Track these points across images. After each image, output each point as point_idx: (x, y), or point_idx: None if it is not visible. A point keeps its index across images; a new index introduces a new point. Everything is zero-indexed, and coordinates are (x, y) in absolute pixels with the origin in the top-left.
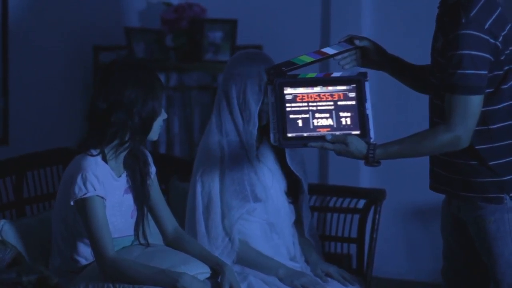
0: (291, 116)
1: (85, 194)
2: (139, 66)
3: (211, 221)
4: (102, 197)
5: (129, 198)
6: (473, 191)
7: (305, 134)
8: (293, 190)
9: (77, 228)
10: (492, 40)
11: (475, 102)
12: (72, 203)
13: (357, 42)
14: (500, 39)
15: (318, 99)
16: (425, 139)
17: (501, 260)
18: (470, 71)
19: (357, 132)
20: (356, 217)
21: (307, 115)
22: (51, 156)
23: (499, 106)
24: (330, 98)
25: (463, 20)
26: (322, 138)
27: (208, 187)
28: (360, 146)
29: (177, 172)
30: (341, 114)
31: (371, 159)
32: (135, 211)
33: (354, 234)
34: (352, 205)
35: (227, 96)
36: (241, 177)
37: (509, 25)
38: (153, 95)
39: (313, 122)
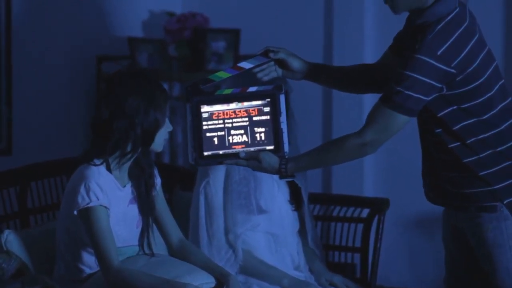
0: (208, 134)
1: (88, 203)
2: (143, 76)
3: (214, 234)
4: (106, 207)
5: (134, 209)
6: (468, 201)
7: (220, 152)
8: (296, 198)
9: (81, 237)
10: (443, 67)
11: (399, 121)
12: (75, 212)
13: (271, 55)
14: (453, 64)
15: (233, 115)
16: (332, 146)
17: (500, 267)
18: (409, 92)
19: (271, 147)
20: (360, 226)
21: (223, 133)
22: (55, 167)
23: (470, 121)
24: (245, 114)
25: (417, 46)
26: (236, 155)
27: (211, 199)
28: (272, 162)
29: (181, 182)
30: (256, 129)
31: (283, 174)
32: (140, 221)
33: (358, 243)
34: (356, 214)
35: None
36: (248, 191)
37: (468, 48)
38: (155, 106)
39: (228, 140)
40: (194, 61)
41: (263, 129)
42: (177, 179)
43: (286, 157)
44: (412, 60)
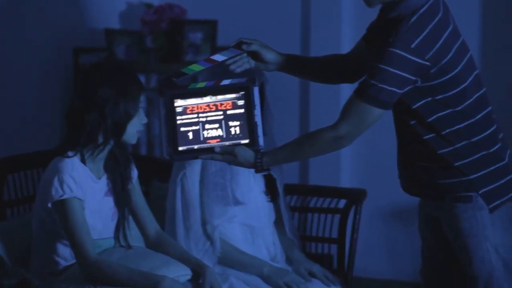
0: (182, 129)
1: (62, 196)
2: (116, 67)
3: (191, 226)
4: (80, 199)
5: (109, 201)
6: (443, 192)
7: (195, 147)
8: (271, 189)
9: (56, 229)
10: (417, 60)
11: (374, 114)
12: (49, 205)
13: (244, 47)
14: (428, 57)
15: (207, 109)
16: (308, 139)
17: (476, 257)
18: (383, 85)
19: (246, 141)
20: (337, 217)
21: (197, 127)
22: (31, 159)
23: (445, 112)
24: (219, 108)
25: (391, 39)
26: (211, 150)
27: (188, 191)
28: (247, 156)
29: (158, 174)
30: (230, 123)
31: (259, 168)
32: (115, 213)
33: (335, 234)
34: (332, 205)
35: None
36: (224, 182)
37: (442, 39)
38: (126, 97)
39: (203, 134)
40: (171, 52)
41: (237, 123)
42: (154, 171)
43: (261, 150)
44: (386, 53)
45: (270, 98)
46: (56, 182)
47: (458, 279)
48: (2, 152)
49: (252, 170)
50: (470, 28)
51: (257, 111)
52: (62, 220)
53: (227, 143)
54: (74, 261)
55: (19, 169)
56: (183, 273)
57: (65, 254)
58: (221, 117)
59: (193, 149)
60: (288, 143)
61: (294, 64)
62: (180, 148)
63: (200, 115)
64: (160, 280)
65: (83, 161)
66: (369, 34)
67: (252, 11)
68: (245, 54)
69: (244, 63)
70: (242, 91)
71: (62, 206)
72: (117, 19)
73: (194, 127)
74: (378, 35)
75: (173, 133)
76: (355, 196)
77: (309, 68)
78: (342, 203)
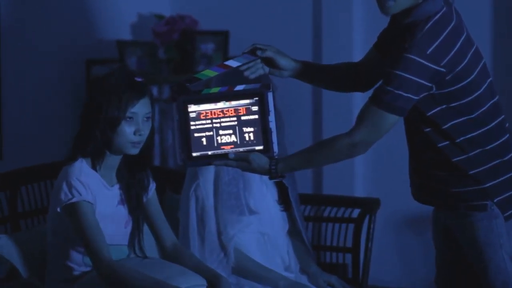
0: (196, 134)
1: (71, 199)
2: (114, 74)
3: (206, 236)
4: (90, 202)
5: (122, 209)
6: (457, 200)
7: (209, 153)
8: (284, 198)
9: (69, 236)
10: (433, 66)
11: (389, 121)
12: (59, 209)
13: (259, 53)
14: (443, 63)
15: (221, 115)
16: (323, 147)
17: (491, 266)
18: (399, 91)
19: (260, 148)
20: (351, 226)
21: (211, 133)
22: (44, 171)
23: (459, 120)
24: (233, 114)
25: (407, 45)
26: (225, 156)
27: (202, 201)
28: (262, 163)
29: (171, 184)
30: (245, 129)
31: (273, 174)
32: (129, 221)
33: (349, 244)
34: (346, 215)
35: None
36: (238, 191)
37: (457, 46)
38: (110, 107)
39: (217, 140)
40: (183, 63)
41: (251, 129)
42: (168, 181)
43: (276, 157)
44: (402, 59)
45: (282, 106)
46: (64, 187)
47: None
48: (16, 163)
49: (265, 178)
50: (483, 35)
51: (272, 117)
52: (74, 224)
53: (241, 149)
54: (87, 268)
55: (32, 181)
56: (198, 283)
57: (78, 260)
58: (235, 123)
59: (207, 155)
60: (303, 150)
61: (308, 71)
62: (194, 154)
63: (214, 120)
64: None
65: (93, 167)
66: (380, 42)
67: (264, 22)
68: (259, 60)
69: (258, 69)
70: (256, 97)
71: (73, 210)
72: (129, 30)
73: (207, 133)
74: (391, 42)
75: (187, 139)
76: (369, 205)
77: (322, 75)
78: (356, 212)
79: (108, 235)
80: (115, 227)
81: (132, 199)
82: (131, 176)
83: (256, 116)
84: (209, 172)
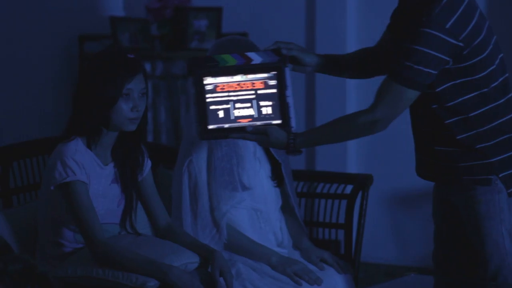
0: (212, 107)
1: (65, 179)
2: (109, 53)
3: (198, 212)
4: (84, 182)
5: (116, 188)
6: (462, 175)
7: (226, 126)
8: (277, 173)
9: (61, 213)
10: (452, 40)
11: (409, 96)
12: (52, 188)
13: (284, 51)
14: (461, 37)
15: (238, 88)
16: (343, 123)
17: (488, 240)
18: (418, 66)
19: (278, 122)
20: (344, 202)
21: (228, 106)
22: (36, 146)
23: (471, 95)
24: (250, 87)
25: (424, 18)
26: (243, 129)
27: (195, 177)
28: (280, 136)
29: (164, 160)
30: (262, 103)
31: (291, 149)
32: (122, 199)
33: (342, 220)
34: (339, 191)
35: None
36: (231, 167)
37: (474, 20)
38: (107, 84)
39: (233, 113)
40: (176, 40)
41: (269, 103)
42: (161, 158)
43: (294, 132)
44: (421, 34)
45: None
46: (59, 166)
47: (470, 265)
48: (7, 139)
49: (259, 155)
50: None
51: (289, 92)
52: (68, 203)
53: (258, 123)
54: (79, 245)
55: (24, 156)
56: (191, 260)
57: (69, 237)
58: (253, 96)
59: (223, 128)
60: (322, 126)
61: (332, 64)
62: (210, 127)
63: (231, 93)
64: (168, 270)
65: (88, 146)
66: (393, 22)
67: None
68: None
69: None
70: (274, 71)
71: (67, 189)
72: (122, 6)
73: (224, 106)
74: (406, 19)
75: (203, 111)
76: (362, 182)
77: (343, 66)
78: (348, 188)
79: (100, 214)
80: (108, 206)
81: (126, 177)
82: (126, 154)
83: (274, 90)
84: (202, 148)
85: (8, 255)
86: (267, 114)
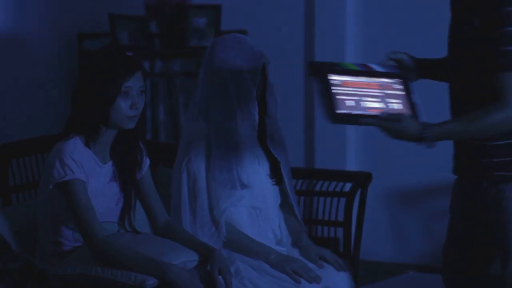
0: (338, 97)
1: (64, 177)
2: (107, 50)
3: (197, 210)
4: (82, 181)
5: (114, 186)
6: (495, 170)
7: (354, 112)
8: (276, 172)
9: (60, 212)
10: None
11: None
12: (51, 186)
13: (407, 64)
14: None
15: (365, 86)
16: (477, 119)
17: None
18: None
19: (410, 114)
20: (343, 200)
21: (356, 98)
22: (36, 144)
23: None
24: (377, 87)
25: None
26: (373, 116)
27: (194, 175)
28: (412, 125)
29: (163, 158)
30: (390, 100)
31: (428, 138)
32: (121, 198)
33: (341, 218)
34: (338, 189)
35: (221, 81)
36: (230, 165)
37: None
38: (105, 82)
39: (362, 103)
40: (175, 37)
41: (398, 101)
42: (160, 156)
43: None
44: (508, 14)
45: (275, 84)
46: (57, 164)
47: (484, 265)
48: (7, 137)
49: (258, 153)
50: None
51: (416, 97)
52: (67, 202)
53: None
54: (78, 243)
55: (23, 154)
56: (190, 258)
57: (68, 236)
58: (381, 93)
59: (352, 114)
60: (459, 119)
61: (428, 71)
62: (338, 111)
63: (358, 89)
64: (167, 268)
65: (87, 144)
66: (457, 16)
67: None
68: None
69: None
70: (399, 79)
71: (65, 188)
72: (121, 4)
73: (353, 97)
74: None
75: (330, 100)
76: (361, 179)
77: (439, 70)
78: (348, 186)
79: (99, 212)
80: (106, 204)
81: (125, 175)
82: (125, 152)
83: (401, 92)
84: (201, 146)
85: (7, 253)
86: (397, 109)
